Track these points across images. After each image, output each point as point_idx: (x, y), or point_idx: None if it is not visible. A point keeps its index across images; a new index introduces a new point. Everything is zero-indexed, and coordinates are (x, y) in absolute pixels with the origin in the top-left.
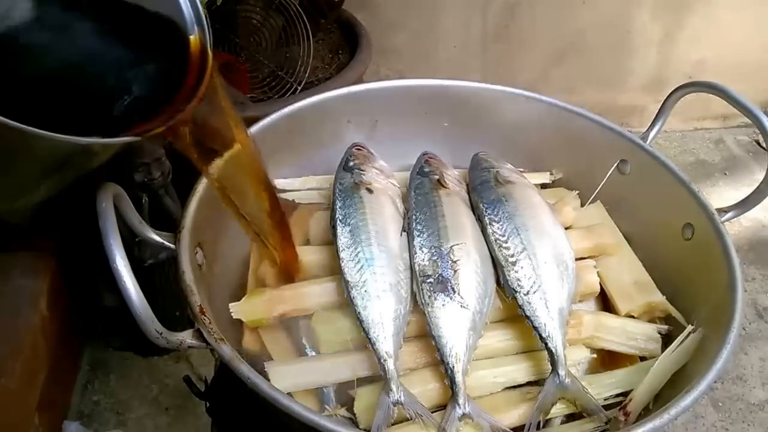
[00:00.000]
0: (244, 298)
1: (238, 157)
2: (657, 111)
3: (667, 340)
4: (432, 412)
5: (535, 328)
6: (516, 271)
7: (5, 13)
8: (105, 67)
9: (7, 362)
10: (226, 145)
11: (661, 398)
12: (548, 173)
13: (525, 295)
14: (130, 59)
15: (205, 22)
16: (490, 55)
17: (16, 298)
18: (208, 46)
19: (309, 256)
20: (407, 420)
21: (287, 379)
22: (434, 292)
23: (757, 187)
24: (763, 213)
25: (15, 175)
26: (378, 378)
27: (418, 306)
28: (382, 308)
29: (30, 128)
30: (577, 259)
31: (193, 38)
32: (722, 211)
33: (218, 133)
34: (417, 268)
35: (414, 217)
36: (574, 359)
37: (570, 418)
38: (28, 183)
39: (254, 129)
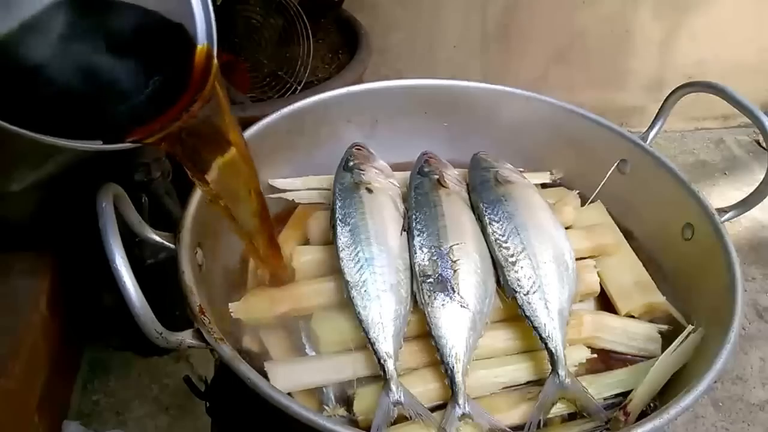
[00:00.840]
0: (243, 298)
1: (233, 163)
2: (657, 111)
3: (667, 339)
4: (432, 412)
5: (535, 329)
6: (516, 271)
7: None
8: (106, 71)
9: (7, 362)
10: (221, 150)
11: (664, 397)
12: (548, 173)
13: (525, 295)
14: (134, 63)
15: (215, 30)
16: (490, 54)
17: (16, 298)
18: (215, 54)
19: (309, 256)
20: (407, 420)
21: (287, 379)
22: (434, 292)
23: (757, 187)
24: (763, 213)
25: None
26: (378, 378)
27: (418, 306)
28: (382, 308)
29: (32, 134)
30: (577, 259)
31: (201, 47)
32: (722, 211)
33: (215, 138)
34: (417, 267)
35: (414, 216)
36: (574, 359)
37: (570, 417)
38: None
39: (254, 129)
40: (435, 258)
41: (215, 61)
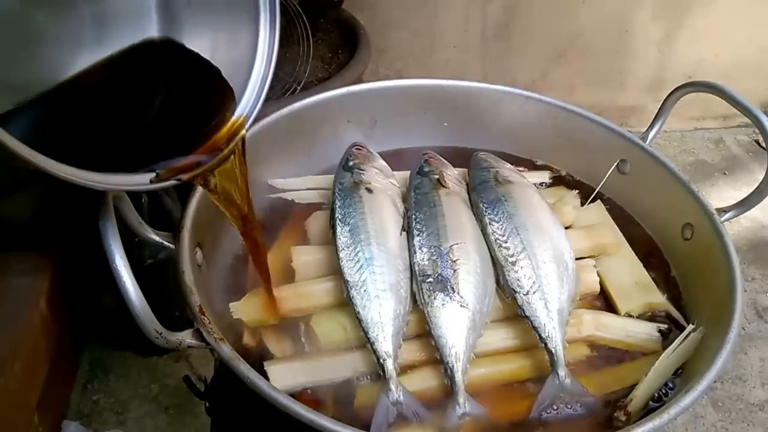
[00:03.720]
0: (244, 298)
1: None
2: (657, 111)
3: (666, 339)
4: (431, 412)
5: (535, 329)
6: (516, 271)
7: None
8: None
9: (7, 362)
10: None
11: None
12: (548, 172)
13: (525, 295)
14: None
15: (257, 108)
16: (490, 54)
17: (16, 298)
18: (245, 128)
19: (308, 256)
20: (407, 420)
21: (287, 379)
22: (434, 292)
23: (757, 187)
24: (763, 213)
25: None
26: (378, 377)
27: (417, 305)
28: (382, 308)
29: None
30: (576, 259)
31: (235, 119)
32: (722, 211)
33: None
34: (416, 267)
35: (413, 216)
36: (574, 357)
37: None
38: None
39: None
40: (435, 258)
41: (243, 132)
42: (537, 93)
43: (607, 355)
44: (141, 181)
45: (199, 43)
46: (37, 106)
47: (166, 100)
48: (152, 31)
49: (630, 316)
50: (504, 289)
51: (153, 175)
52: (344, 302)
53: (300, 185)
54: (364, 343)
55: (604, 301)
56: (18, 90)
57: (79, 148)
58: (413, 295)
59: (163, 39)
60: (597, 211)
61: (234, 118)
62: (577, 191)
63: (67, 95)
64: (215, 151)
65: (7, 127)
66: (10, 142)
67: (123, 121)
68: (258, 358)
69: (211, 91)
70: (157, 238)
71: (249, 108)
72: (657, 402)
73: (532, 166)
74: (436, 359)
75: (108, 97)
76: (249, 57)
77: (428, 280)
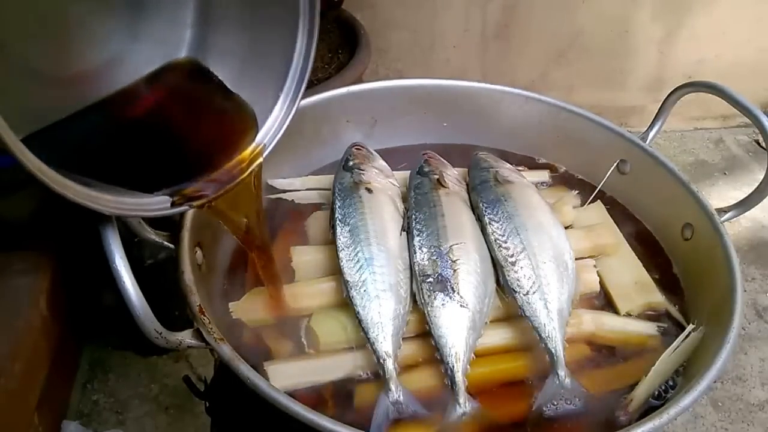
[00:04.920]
0: (243, 298)
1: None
2: (657, 111)
3: (666, 338)
4: (432, 412)
5: (535, 329)
6: (516, 272)
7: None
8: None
9: (7, 362)
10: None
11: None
12: (547, 172)
13: (525, 295)
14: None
15: (279, 136)
16: (490, 54)
17: (15, 298)
18: (262, 157)
19: (308, 256)
20: (406, 420)
21: (287, 379)
22: (434, 292)
23: (757, 187)
24: (763, 213)
25: None
26: (377, 377)
27: (417, 305)
28: (382, 308)
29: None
30: (577, 259)
31: (253, 147)
32: (722, 211)
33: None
34: (416, 267)
35: (413, 216)
36: (574, 357)
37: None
38: None
39: None
40: (435, 258)
41: (260, 160)
42: (537, 93)
43: (607, 354)
44: (157, 206)
45: (231, 60)
46: (59, 127)
47: (186, 122)
48: (185, 44)
49: (630, 315)
50: (504, 289)
51: (169, 199)
52: (344, 302)
53: (300, 185)
54: (364, 343)
55: (604, 301)
56: (29, 74)
57: (96, 169)
58: (413, 295)
59: (188, 60)
60: (597, 211)
61: (253, 145)
62: (577, 191)
63: (90, 117)
64: (231, 177)
65: (33, 147)
66: (32, 164)
67: (141, 142)
68: (258, 358)
69: (233, 116)
70: (157, 238)
71: (270, 136)
72: (658, 399)
73: (532, 166)
74: (436, 359)
75: (130, 119)
76: (277, 86)
77: (428, 280)
